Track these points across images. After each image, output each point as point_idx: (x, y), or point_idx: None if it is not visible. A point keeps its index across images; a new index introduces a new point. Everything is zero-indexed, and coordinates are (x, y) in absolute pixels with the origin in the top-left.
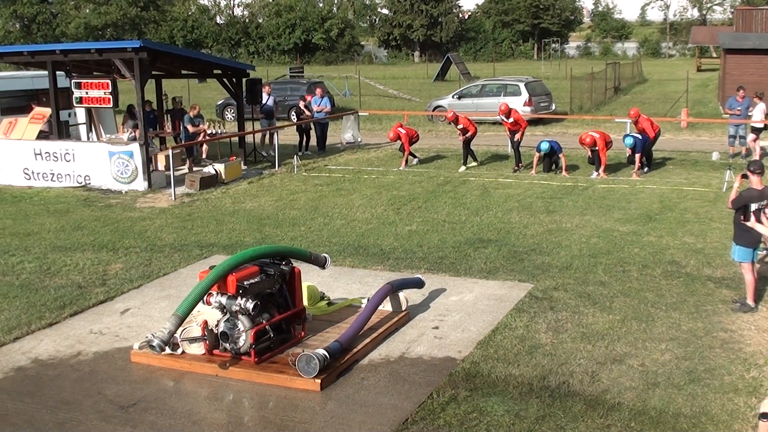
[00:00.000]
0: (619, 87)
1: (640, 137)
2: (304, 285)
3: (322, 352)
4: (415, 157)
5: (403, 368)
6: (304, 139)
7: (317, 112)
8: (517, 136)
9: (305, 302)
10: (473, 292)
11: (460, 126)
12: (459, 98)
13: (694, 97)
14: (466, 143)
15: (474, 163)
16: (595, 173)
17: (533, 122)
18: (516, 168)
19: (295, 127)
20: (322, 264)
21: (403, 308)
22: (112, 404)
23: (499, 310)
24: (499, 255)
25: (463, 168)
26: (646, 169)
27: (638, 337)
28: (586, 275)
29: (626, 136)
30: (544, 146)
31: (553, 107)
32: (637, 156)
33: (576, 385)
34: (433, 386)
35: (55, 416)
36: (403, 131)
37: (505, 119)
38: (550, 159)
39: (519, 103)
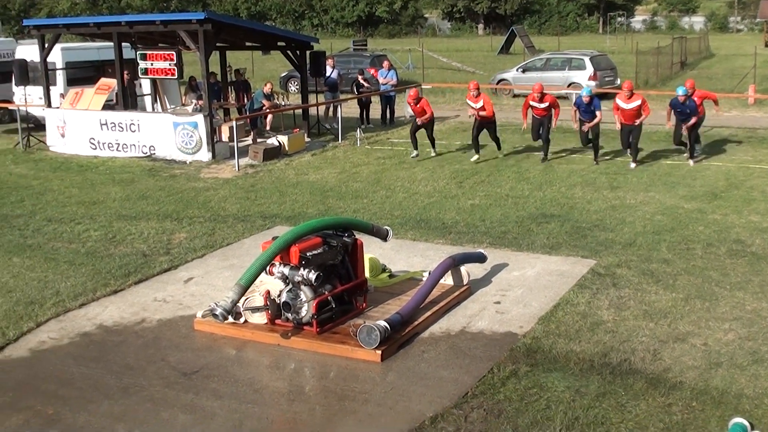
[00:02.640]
0: (686, 62)
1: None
2: (366, 257)
3: (383, 324)
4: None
5: (463, 342)
6: (365, 112)
7: (383, 84)
8: (553, 123)
9: (367, 274)
10: (535, 267)
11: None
12: (523, 72)
13: (762, 73)
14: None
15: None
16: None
17: (597, 97)
18: (545, 158)
19: (356, 100)
20: (384, 236)
21: (465, 282)
22: (175, 371)
23: (561, 285)
24: (562, 230)
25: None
26: (697, 151)
27: (701, 316)
28: (650, 252)
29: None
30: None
31: (618, 82)
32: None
33: (637, 362)
34: (494, 361)
35: (119, 381)
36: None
37: (537, 105)
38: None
39: (584, 78)
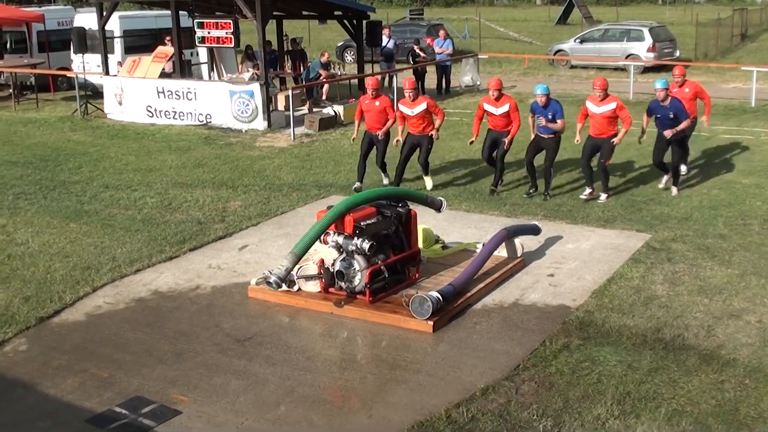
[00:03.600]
0: (747, 34)
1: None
2: (420, 227)
3: (435, 294)
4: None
5: (516, 314)
6: (420, 82)
7: (439, 54)
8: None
9: (420, 244)
10: (590, 240)
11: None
12: (581, 42)
13: None
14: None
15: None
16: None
17: (656, 68)
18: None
19: (412, 70)
20: (437, 207)
21: (519, 255)
22: (228, 337)
23: (616, 259)
24: (617, 204)
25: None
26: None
27: (757, 293)
28: (706, 227)
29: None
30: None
31: (677, 54)
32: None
33: (691, 338)
34: (546, 334)
35: (173, 346)
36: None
37: (493, 110)
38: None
39: (642, 49)
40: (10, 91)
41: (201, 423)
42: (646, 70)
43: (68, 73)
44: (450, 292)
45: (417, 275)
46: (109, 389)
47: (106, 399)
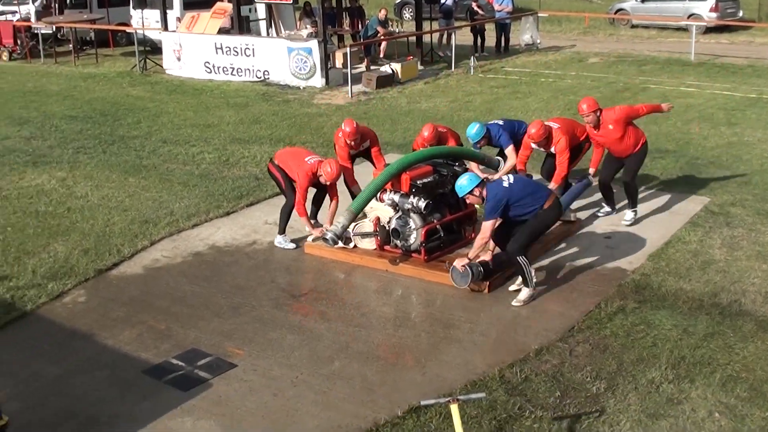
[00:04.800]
0: None
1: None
2: None
3: (478, 268)
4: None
5: (571, 276)
6: (479, 40)
7: (498, 12)
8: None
9: (476, 204)
10: (648, 202)
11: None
12: (642, 1)
13: None
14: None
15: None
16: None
17: (718, 29)
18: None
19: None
20: (495, 167)
21: (574, 217)
22: (284, 293)
23: (673, 222)
24: (676, 166)
25: None
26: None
27: None
28: (766, 192)
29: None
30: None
31: (740, 14)
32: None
33: (748, 304)
34: (602, 296)
35: (230, 300)
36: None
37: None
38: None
39: (705, 9)
40: (70, 46)
41: (256, 376)
42: (709, 30)
43: (127, 29)
44: (499, 262)
45: (472, 234)
46: (166, 341)
47: (162, 351)
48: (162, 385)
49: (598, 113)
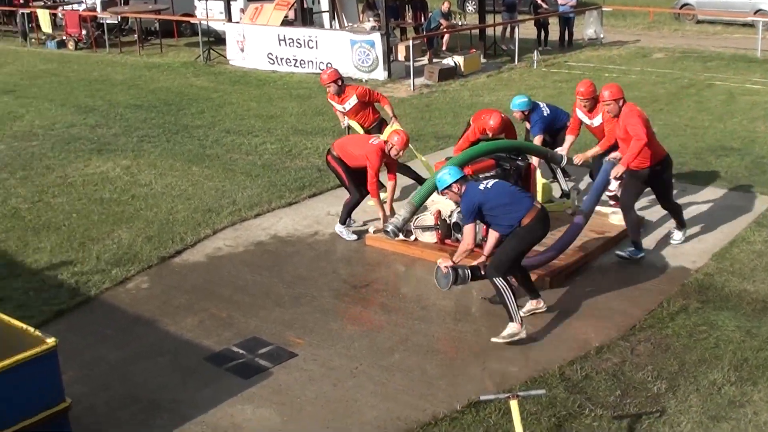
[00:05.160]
0: None
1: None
2: (539, 182)
3: (466, 272)
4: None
5: (634, 274)
6: (542, 34)
7: (562, 5)
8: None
9: (539, 199)
10: (712, 201)
11: None
12: None
13: None
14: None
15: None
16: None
17: None
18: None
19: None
20: (558, 162)
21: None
22: (345, 284)
23: (738, 222)
24: (742, 165)
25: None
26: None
27: None
28: None
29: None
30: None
31: None
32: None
33: None
34: (664, 295)
35: (291, 290)
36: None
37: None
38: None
39: None
40: (135, 36)
41: (316, 366)
42: None
43: (192, 20)
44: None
45: None
46: (228, 329)
47: (224, 338)
48: (223, 373)
49: (620, 103)
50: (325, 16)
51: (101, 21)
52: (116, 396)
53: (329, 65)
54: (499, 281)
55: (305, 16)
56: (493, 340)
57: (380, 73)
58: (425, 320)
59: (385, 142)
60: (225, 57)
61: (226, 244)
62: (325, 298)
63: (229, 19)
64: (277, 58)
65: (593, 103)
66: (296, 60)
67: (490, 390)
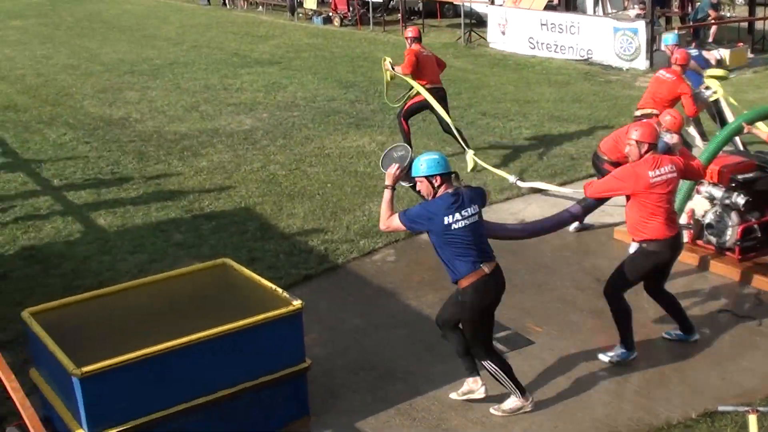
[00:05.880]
0: None
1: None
2: None
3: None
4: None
5: None
6: None
7: None
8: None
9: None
10: None
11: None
12: None
13: None
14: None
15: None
16: None
17: None
18: None
19: None
20: None
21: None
22: (588, 276)
23: None
24: None
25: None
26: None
27: None
28: None
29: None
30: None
31: None
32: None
33: None
34: None
35: (533, 277)
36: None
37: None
38: None
39: None
40: (399, 15)
41: (552, 356)
42: None
43: (455, 1)
44: None
45: None
46: None
47: None
48: None
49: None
50: (589, 2)
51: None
52: (353, 361)
53: (590, 52)
54: (488, 364)
55: (569, 1)
56: (491, 411)
57: (642, 62)
58: (668, 321)
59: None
60: (485, 39)
61: None
62: (567, 288)
63: (492, 2)
64: (537, 42)
65: None
66: (556, 45)
67: (728, 401)
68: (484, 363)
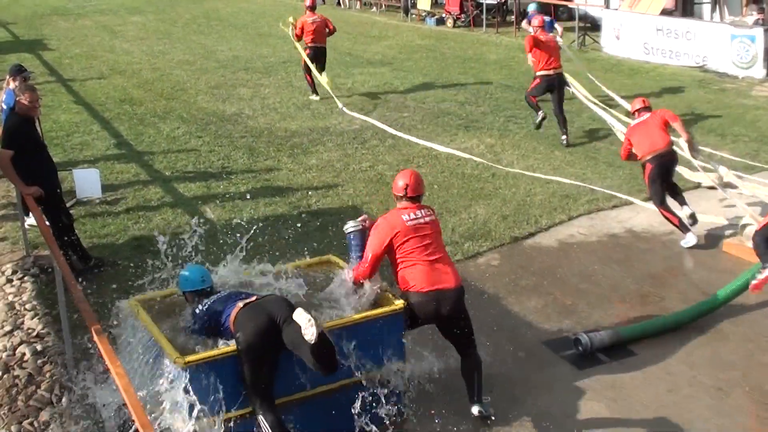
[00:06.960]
0: None
1: None
2: None
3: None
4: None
5: None
6: None
7: None
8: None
9: None
10: None
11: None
12: None
13: None
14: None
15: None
16: None
17: None
18: None
19: None
20: None
21: None
22: (695, 288)
23: None
24: None
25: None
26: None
27: None
28: None
29: None
30: None
31: None
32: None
33: None
34: None
35: (639, 287)
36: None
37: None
38: None
39: None
40: (513, 17)
41: (653, 368)
42: None
43: (570, 4)
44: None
45: None
46: (569, 317)
47: (564, 325)
48: (558, 359)
49: None
50: (706, 8)
51: (481, 1)
52: (450, 366)
53: (705, 59)
54: (261, 418)
55: (686, 6)
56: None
57: (759, 71)
58: None
59: None
60: (599, 43)
61: (579, 232)
62: (672, 301)
63: (607, 6)
64: (651, 48)
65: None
66: (671, 51)
67: None
68: (259, 418)
